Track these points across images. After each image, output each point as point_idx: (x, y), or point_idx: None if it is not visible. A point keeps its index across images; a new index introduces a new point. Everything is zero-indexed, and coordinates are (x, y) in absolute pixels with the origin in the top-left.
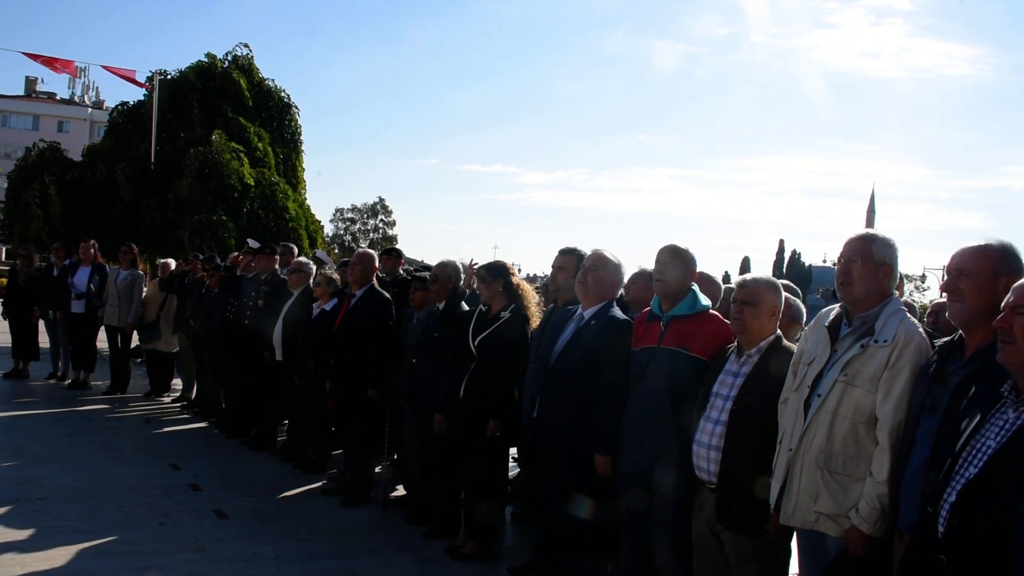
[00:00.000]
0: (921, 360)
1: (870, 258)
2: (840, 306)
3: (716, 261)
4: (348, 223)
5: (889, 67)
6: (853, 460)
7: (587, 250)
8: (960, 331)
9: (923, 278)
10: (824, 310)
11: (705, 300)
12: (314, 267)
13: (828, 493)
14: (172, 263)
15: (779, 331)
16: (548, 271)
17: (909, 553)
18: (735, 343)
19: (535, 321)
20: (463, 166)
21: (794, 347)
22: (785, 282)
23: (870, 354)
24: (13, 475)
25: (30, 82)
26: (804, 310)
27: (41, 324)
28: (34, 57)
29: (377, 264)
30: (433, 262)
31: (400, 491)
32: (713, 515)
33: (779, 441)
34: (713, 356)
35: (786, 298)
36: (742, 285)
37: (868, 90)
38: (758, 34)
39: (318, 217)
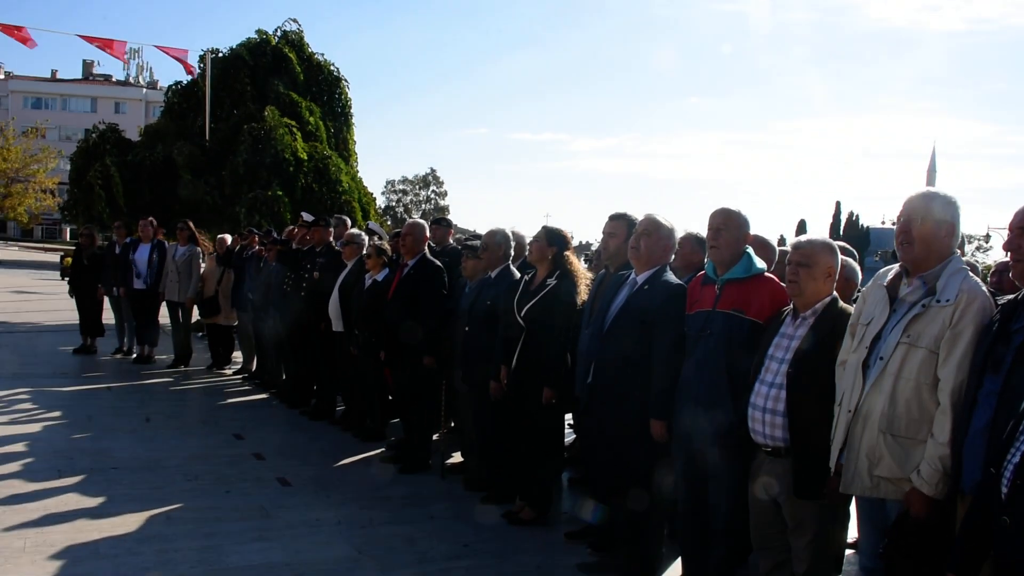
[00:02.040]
0: (984, 319)
1: (931, 217)
2: (899, 266)
3: (771, 224)
4: (400, 194)
5: (950, 20)
6: (916, 423)
7: (638, 216)
8: None
9: (987, 238)
10: (883, 270)
11: (760, 263)
12: (367, 238)
13: (891, 456)
14: (229, 238)
15: (835, 293)
16: (599, 238)
17: (971, 515)
18: (791, 305)
19: (583, 292)
20: (512, 135)
21: (851, 308)
22: (842, 244)
23: (932, 314)
24: (86, 446)
25: (87, 65)
26: (859, 271)
27: (106, 301)
28: (90, 40)
29: (428, 234)
30: (484, 231)
31: (457, 458)
32: (769, 478)
33: (837, 404)
34: (769, 319)
35: (841, 259)
36: (797, 247)
37: (928, 45)
38: None
39: (370, 189)
